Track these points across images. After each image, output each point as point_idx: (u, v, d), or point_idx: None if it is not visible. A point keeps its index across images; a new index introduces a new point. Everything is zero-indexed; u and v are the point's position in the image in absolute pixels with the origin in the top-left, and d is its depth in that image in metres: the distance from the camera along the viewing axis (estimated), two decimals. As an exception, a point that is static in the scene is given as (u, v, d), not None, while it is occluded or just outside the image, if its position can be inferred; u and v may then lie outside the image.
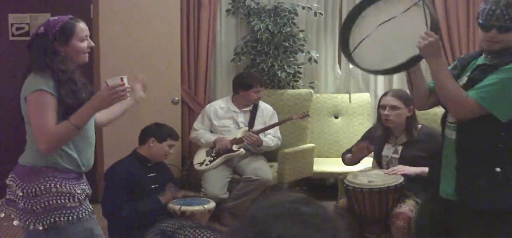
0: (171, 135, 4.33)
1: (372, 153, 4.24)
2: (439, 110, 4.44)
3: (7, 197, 2.85)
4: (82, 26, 2.87)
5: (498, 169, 2.71)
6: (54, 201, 2.76)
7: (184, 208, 4.12)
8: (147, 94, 3.37)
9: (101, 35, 5.05)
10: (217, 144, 5.05)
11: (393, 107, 3.96)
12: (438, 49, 2.73)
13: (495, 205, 2.75)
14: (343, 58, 6.22)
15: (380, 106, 4.06)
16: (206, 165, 5.01)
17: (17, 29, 5.38)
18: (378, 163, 4.15)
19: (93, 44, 2.95)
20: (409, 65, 2.87)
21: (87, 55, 2.92)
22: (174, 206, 4.16)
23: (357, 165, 4.30)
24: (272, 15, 5.77)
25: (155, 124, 4.39)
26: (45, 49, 2.76)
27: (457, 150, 2.85)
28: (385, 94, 4.12)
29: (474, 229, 2.82)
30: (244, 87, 5.20)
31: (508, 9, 2.67)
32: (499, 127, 2.70)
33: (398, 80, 6.27)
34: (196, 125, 5.31)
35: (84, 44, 2.87)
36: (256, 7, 5.80)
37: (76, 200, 2.82)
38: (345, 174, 4.17)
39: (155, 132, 4.28)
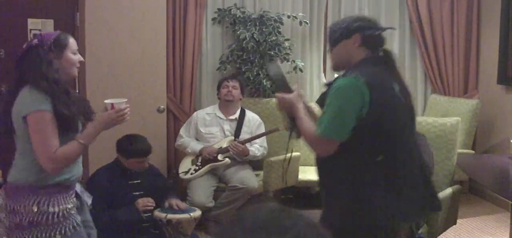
0: (134, 153, 4.27)
1: None
2: (431, 121, 4.50)
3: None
4: (73, 40, 2.95)
5: (355, 187, 2.70)
6: (38, 218, 2.77)
7: (170, 216, 4.13)
8: (133, 102, 3.38)
9: (87, 44, 5.04)
10: (203, 152, 5.05)
11: None
12: (290, 105, 2.84)
13: (355, 223, 2.72)
14: (328, 67, 6.25)
15: None
16: (191, 174, 5.01)
17: (35, 35, 5.36)
18: None
19: (82, 59, 3.01)
20: (293, 127, 2.96)
21: (77, 69, 2.98)
22: (160, 214, 4.16)
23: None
24: (257, 24, 5.80)
25: (125, 137, 4.32)
26: (41, 60, 2.79)
27: (318, 172, 2.90)
28: None
29: None
30: (218, 89, 5.30)
31: (338, 24, 2.84)
32: (352, 147, 2.68)
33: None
34: (182, 131, 5.31)
35: (76, 57, 2.93)
36: (241, 16, 5.82)
37: (60, 216, 2.82)
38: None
39: (120, 149, 4.27)
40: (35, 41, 2.85)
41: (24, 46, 2.88)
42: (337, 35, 2.82)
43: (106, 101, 2.97)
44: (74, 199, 2.95)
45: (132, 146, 4.26)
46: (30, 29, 5.16)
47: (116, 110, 2.93)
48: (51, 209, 2.79)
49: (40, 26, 5.16)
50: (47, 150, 2.73)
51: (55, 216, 2.80)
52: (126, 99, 2.99)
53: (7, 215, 2.81)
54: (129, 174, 4.25)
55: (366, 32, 2.78)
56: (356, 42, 2.77)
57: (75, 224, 2.90)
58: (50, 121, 2.74)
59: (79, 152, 2.86)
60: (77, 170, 2.95)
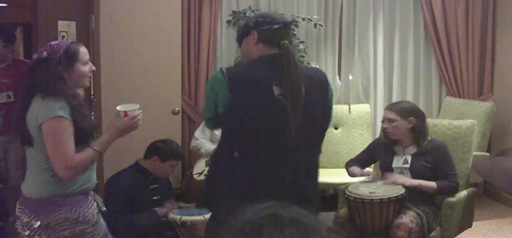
0: (175, 155, 4.32)
1: (378, 163, 4.29)
2: (447, 123, 4.48)
3: (18, 229, 2.80)
4: (84, 50, 2.87)
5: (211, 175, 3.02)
6: (74, 229, 2.75)
7: (184, 218, 4.13)
8: (148, 104, 3.39)
9: (102, 46, 5.07)
10: None
11: (389, 120, 4.06)
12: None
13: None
14: (343, 69, 6.25)
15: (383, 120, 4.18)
16: (205, 175, 5.02)
17: (63, 37, 5.41)
18: (385, 174, 4.15)
19: (94, 68, 2.96)
20: None
21: (89, 79, 2.94)
22: (175, 216, 4.17)
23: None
24: (272, 26, 5.78)
25: (161, 141, 4.36)
26: (52, 74, 2.72)
27: None
28: (386, 108, 4.23)
29: None
30: None
31: (243, 23, 3.04)
32: (231, 134, 2.81)
33: (398, 92, 6.31)
34: (197, 133, 5.33)
35: (87, 68, 2.87)
36: (256, 18, 5.81)
37: (91, 224, 2.82)
38: (345, 185, 4.17)
39: (159, 151, 4.27)
40: (45, 53, 2.76)
41: (35, 56, 2.82)
42: (240, 33, 2.93)
43: (118, 108, 2.92)
44: (95, 204, 2.93)
45: (173, 148, 4.34)
46: (59, 31, 5.20)
47: (130, 118, 2.90)
48: (81, 218, 2.77)
49: (66, 29, 5.20)
50: (64, 158, 2.69)
51: (86, 223, 2.79)
52: (138, 105, 2.97)
53: (35, 232, 2.72)
54: (149, 179, 4.28)
55: (261, 29, 2.84)
56: (254, 38, 2.85)
57: (104, 230, 2.91)
58: (68, 128, 2.69)
59: (94, 159, 2.85)
60: (94, 177, 2.94)
